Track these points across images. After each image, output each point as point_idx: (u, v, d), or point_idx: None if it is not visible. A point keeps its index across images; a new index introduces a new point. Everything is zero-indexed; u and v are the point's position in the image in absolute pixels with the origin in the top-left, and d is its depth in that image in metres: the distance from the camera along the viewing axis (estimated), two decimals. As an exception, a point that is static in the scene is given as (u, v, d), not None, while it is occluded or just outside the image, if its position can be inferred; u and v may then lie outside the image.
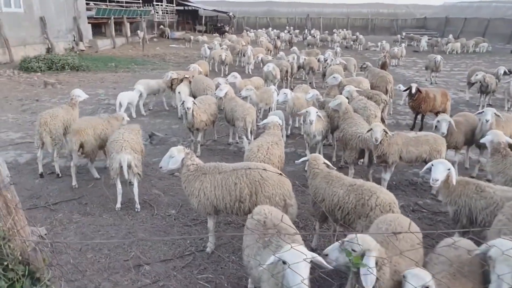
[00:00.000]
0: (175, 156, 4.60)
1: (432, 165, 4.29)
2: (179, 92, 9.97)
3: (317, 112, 6.71)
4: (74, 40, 23.67)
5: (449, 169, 4.20)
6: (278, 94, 9.96)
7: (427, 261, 3.06)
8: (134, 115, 10.64)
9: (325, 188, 4.38)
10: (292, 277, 2.43)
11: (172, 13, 44.42)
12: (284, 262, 2.51)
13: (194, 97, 8.92)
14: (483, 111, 6.42)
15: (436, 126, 6.58)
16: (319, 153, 7.60)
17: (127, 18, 30.11)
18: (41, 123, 6.48)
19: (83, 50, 23.33)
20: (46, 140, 6.47)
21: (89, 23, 26.10)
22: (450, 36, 31.31)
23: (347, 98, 7.58)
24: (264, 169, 4.24)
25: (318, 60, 15.56)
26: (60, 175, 6.84)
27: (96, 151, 6.54)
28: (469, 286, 2.69)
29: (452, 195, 4.30)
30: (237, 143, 8.70)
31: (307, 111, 6.72)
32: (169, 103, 11.93)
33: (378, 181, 6.50)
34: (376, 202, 3.94)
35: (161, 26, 38.52)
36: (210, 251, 4.78)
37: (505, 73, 12.23)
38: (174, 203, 6.01)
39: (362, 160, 6.87)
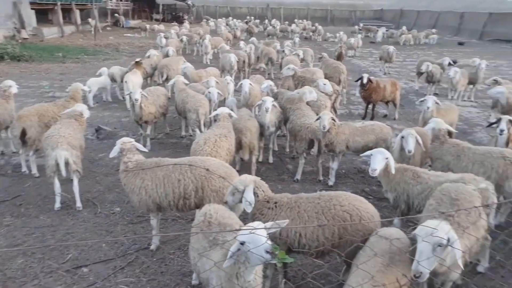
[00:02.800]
0: (117, 145, 4.46)
1: (371, 154, 4.35)
2: (125, 82, 9.59)
3: (272, 101, 6.67)
4: (15, 28, 22.09)
5: (387, 158, 4.27)
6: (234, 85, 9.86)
7: (360, 253, 3.07)
8: (110, 98, 11.26)
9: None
10: (255, 250, 2.39)
11: (127, 1, 42.73)
12: (242, 243, 2.47)
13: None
14: (424, 99, 6.65)
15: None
16: (273, 143, 7.59)
17: (76, 4, 28.55)
18: None
19: (26, 39, 21.84)
20: None
21: (32, 9, 24.44)
22: (404, 28, 32.25)
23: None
24: (207, 169, 4.13)
25: (277, 51, 15.54)
26: (37, 175, 6.39)
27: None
28: (400, 274, 2.74)
29: (392, 182, 4.40)
30: (190, 136, 8.49)
31: (262, 100, 6.66)
32: (122, 94, 11.54)
33: (328, 169, 6.57)
34: None
35: (115, 14, 36.98)
36: (154, 248, 4.62)
37: (449, 64, 12.77)
38: (120, 200, 5.76)
39: (313, 149, 6.92)
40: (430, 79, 12.16)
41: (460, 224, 3.13)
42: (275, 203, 3.68)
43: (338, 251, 3.27)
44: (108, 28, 33.37)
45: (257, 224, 2.48)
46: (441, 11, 39.20)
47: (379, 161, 4.25)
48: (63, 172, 5.23)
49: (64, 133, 5.42)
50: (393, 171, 4.29)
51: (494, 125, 5.65)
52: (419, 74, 13.22)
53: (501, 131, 5.45)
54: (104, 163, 7.05)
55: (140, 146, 4.69)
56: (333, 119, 5.80)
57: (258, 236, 2.39)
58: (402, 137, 5.15)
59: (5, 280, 3.93)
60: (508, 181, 4.66)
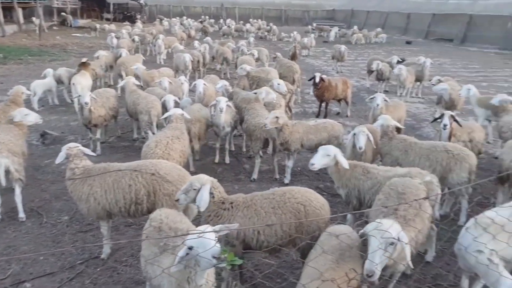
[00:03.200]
0: (62, 150, 4.24)
1: (317, 151, 4.49)
2: (73, 84, 9.17)
3: (227, 102, 6.61)
4: (-50, 27, 20.46)
5: (329, 155, 4.38)
6: (189, 85, 9.68)
7: (312, 252, 3.11)
8: (56, 101, 10.74)
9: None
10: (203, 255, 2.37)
11: (74, -1, 40.84)
12: (190, 248, 2.44)
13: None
14: (374, 97, 6.88)
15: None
16: (230, 143, 7.53)
17: (18, 2, 26.80)
18: None
19: (-37, 38, 20.32)
20: None
21: (-32, 6, 22.75)
22: (355, 27, 33.41)
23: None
24: (153, 174, 4.03)
25: (233, 51, 15.52)
26: None
27: None
28: (348, 269, 2.79)
29: (343, 178, 4.50)
30: (143, 138, 8.23)
31: (216, 101, 6.57)
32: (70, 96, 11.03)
33: (284, 168, 6.60)
34: None
35: (62, 13, 35.24)
36: (105, 257, 4.43)
37: (398, 62, 13.36)
38: (68, 208, 5.47)
39: (268, 148, 6.95)
40: (380, 77, 12.65)
41: (406, 217, 3.25)
42: (231, 203, 3.67)
43: (290, 248, 3.28)
44: (54, 28, 31.74)
45: (204, 227, 2.43)
46: (389, 11, 40.97)
47: (319, 157, 4.38)
48: (3, 181, 4.87)
49: (4, 140, 5.06)
50: (346, 166, 4.39)
51: (438, 120, 5.94)
52: (370, 72, 13.69)
53: (444, 125, 5.72)
54: (51, 169, 6.67)
55: (87, 151, 4.48)
56: (277, 117, 5.81)
57: (207, 240, 2.34)
58: (354, 134, 5.28)
59: None
60: (451, 173, 4.94)
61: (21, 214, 5.12)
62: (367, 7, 45.01)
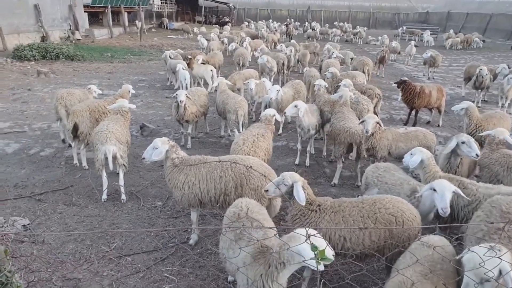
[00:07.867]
0: (159, 147, 4.55)
1: (411, 153, 4.45)
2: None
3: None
4: (70, 29, 23.49)
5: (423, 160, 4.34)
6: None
7: (400, 260, 3.00)
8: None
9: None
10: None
11: (171, 3, 44.13)
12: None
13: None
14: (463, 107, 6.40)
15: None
16: (310, 146, 7.57)
17: (124, 7, 29.89)
18: (57, 98, 7.15)
19: (79, 39, 23.19)
20: (61, 112, 7.07)
21: (85, 11, 25.94)
22: (451, 31, 30.99)
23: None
24: (250, 167, 4.21)
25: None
26: (87, 167, 6.84)
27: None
28: (440, 283, 2.66)
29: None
30: (229, 136, 8.65)
31: (295, 106, 6.61)
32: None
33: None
34: None
35: (164, 18, 38.32)
36: (193, 243, 4.76)
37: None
38: (161, 195, 5.99)
39: (351, 154, 6.83)
40: (479, 85, 11.57)
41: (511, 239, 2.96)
42: (318, 206, 3.67)
43: (379, 255, 3.22)
44: (153, 30, 34.63)
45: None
46: (493, 13, 37.22)
47: (413, 160, 4.42)
48: (111, 166, 5.52)
49: (112, 129, 5.70)
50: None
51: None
52: (467, 79, 12.64)
53: None
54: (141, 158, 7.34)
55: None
56: (379, 123, 5.70)
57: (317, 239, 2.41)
58: (463, 142, 4.81)
59: (61, 262, 4.21)
60: None
61: (123, 196, 5.75)
62: (467, 9, 41.43)
